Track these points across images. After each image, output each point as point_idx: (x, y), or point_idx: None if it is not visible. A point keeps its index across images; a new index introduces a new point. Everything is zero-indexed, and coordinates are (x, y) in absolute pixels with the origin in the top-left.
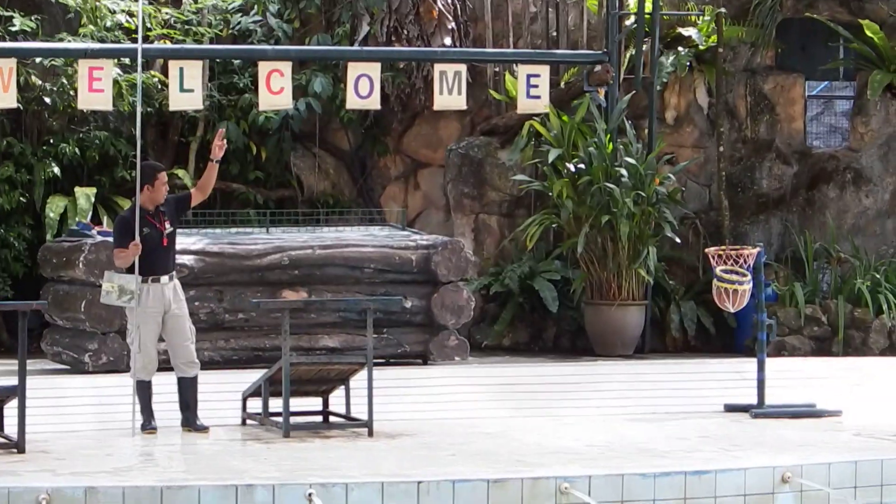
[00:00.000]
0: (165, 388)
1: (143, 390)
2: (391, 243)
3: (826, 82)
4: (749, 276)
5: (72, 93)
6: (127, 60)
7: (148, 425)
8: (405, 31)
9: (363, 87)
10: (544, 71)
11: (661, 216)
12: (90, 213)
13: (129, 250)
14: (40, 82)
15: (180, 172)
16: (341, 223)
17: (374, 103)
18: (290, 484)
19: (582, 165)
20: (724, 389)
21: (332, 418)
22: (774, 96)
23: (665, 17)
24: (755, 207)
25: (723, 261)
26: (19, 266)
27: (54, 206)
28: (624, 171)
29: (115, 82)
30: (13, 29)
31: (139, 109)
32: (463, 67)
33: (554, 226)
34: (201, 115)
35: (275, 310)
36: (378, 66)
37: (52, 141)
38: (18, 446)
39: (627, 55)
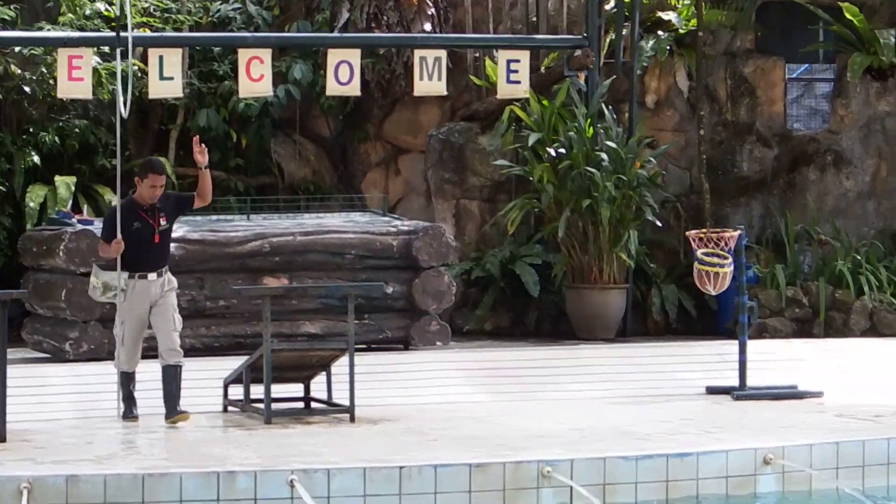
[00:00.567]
0: (148, 375)
1: (126, 380)
2: (372, 229)
3: (806, 65)
4: (730, 259)
5: (51, 81)
6: (106, 49)
7: (129, 414)
8: (385, 18)
9: (343, 74)
10: (524, 56)
11: (642, 200)
12: (70, 202)
13: (111, 247)
14: (19, 71)
15: (161, 159)
16: (322, 210)
17: (355, 90)
18: (271, 470)
19: (562, 150)
20: (706, 372)
21: (313, 404)
22: (755, 79)
23: (645, 1)
24: (736, 190)
25: (704, 244)
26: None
27: (34, 195)
28: (604, 156)
29: (95, 71)
30: None
31: (119, 98)
32: (443, 53)
33: (535, 210)
34: (181, 103)
35: (256, 297)
36: (358, 52)
37: (31, 130)
38: (0, 435)
39: (607, 39)
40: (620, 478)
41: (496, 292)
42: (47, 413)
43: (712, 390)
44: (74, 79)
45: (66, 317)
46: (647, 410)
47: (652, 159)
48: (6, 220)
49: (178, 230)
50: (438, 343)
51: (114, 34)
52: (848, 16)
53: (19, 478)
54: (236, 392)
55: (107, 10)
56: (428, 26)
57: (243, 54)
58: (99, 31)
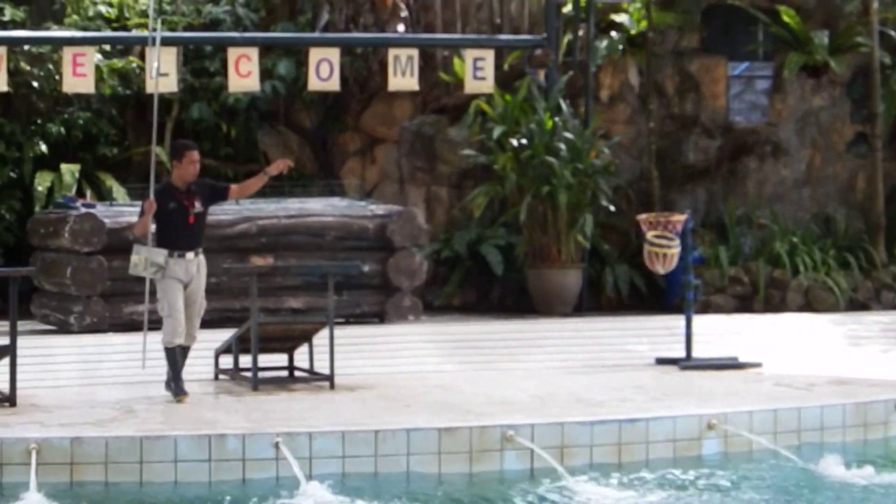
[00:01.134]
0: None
1: (174, 357)
2: (350, 213)
3: (747, 63)
4: (677, 241)
5: (57, 77)
6: (108, 48)
7: (180, 391)
8: (362, 19)
9: (324, 71)
10: (489, 55)
11: (597, 186)
12: (75, 187)
13: (144, 207)
14: (28, 68)
15: (157, 150)
16: (304, 195)
17: (334, 85)
18: (258, 434)
19: (524, 141)
20: (655, 344)
21: (296, 373)
22: (700, 76)
23: (600, 4)
24: (683, 178)
25: (653, 227)
26: (10, 236)
27: (42, 181)
28: (562, 146)
29: (97, 68)
30: (4, 19)
31: (156, 92)
32: (415, 52)
33: (499, 196)
34: (176, 97)
35: (244, 274)
36: (337, 51)
37: (39, 121)
38: (10, 400)
39: (565, 40)
40: (577, 441)
41: (463, 271)
42: (53, 380)
43: (661, 361)
44: (78, 75)
45: (70, 292)
46: (602, 379)
47: (606, 149)
48: (16, 203)
49: None
50: (411, 317)
51: (146, 34)
52: (785, 18)
53: (28, 439)
54: (226, 361)
55: (107, 11)
56: (401, 27)
57: (232, 52)
58: (100, 31)
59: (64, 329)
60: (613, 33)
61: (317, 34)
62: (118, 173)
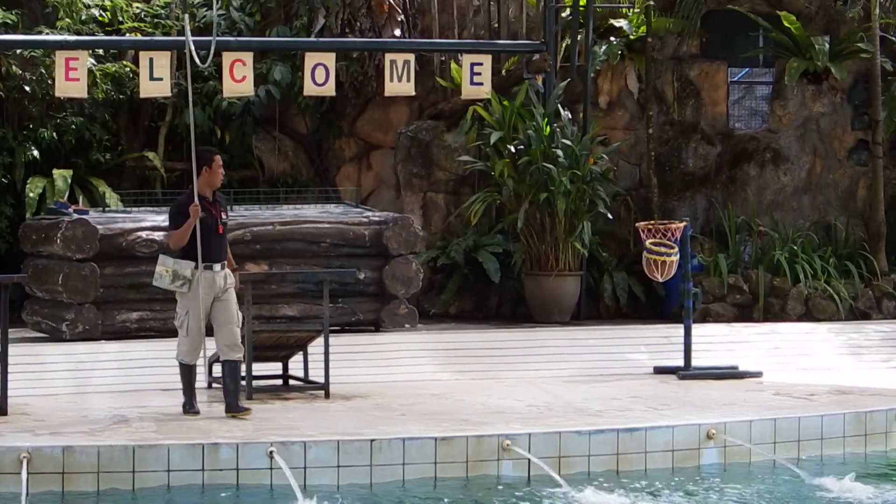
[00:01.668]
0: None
1: (187, 373)
2: (346, 220)
3: (747, 69)
4: (676, 249)
5: (49, 81)
6: (101, 52)
7: (190, 408)
8: (358, 24)
9: (319, 76)
10: (487, 60)
11: (595, 193)
12: (67, 193)
13: (191, 212)
14: (20, 72)
15: (150, 155)
16: (299, 201)
17: (330, 90)
18: (252, 443)
19: (522, 147)
20: (654, 353)
21: (291, 382)
22: (699, 82)
23: (598, 8)
24: (682, 185)
25: (652, 234)
26: (1, 242)
27: (34, 187)
28: (560, 152)
29: (90, 72)
30: None
31: (190, 97)
32: (411, 56)
33: (496, 203)
34: (169, 102)
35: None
36: (333, 55)
37: (31, 126)
38: (1, 408)
39: (563, 45)
40: (574, 451)
41: (460, 278)
42: (45, 389)
43: (659, 370)
44: (71, 79)
45: (62, 299)
46: (599, 389)
47: (604, 156)
48: (8, 209)
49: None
50: (407, 325)
51: (181, 38)
52: (786, 23)
53: (19, 448)
54: (220, 370)
55: (101, 15)
56: (398, 32)
57: (227, 57)
58: (94, 34)
59: (56, 337)
60: (612, 38)
61: (312, 38)
62: (111, 179)
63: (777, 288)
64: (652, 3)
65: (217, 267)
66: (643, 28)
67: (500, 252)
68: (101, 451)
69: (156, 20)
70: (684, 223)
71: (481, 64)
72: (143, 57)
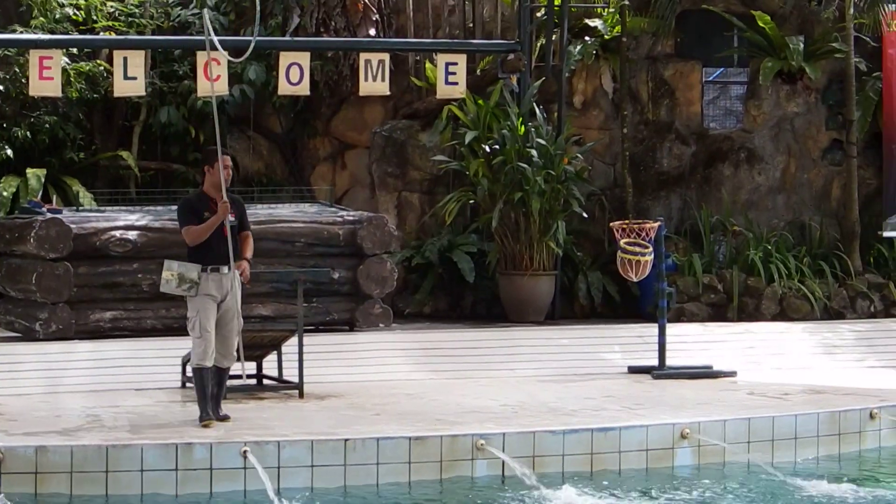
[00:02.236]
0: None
1: (201, 380)
2: (320, 219)
3: (721, 69)
4: (651, 248)
5: (23, 80)
6: (74, 50)
7: (206, 416)
8: (333, 23)
9: (294, 75)
10: (461, 59)
11: (570, 193)
12: (41, 192)
13: (220, 209)
14: None
15: (124, 154)
16: (274, 201)
17: (305, 89)
18: (226, 442)
19: (496, 146)
20: (628, 353)
21: (265, 381)
22: (674, 82)
23: (573, 8)
24: (656, 184)
25: (626, 234)
26: None
27: (7, 186)
28: (535, 152)
29: (64, 71)
30: None
31: (213, 95)
32: (386, 56)
33: (471, 202)
34: (144, 101)
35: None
36: (308, 55)
37: (4, 125)
38: None
39: (538, 44)
40: (548, 450)
41: (434, 278)
42: (18, 388)
43: (634, 370)
44: (45, 78)
45: (36, 299)
46: (574, 388)
47: (579, 155)
48: None
49: (141, 219)
50: (381, 325)
51: (202, 38)
52: (760, 23)
53: None
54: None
55: (75, 13)
56: (372, 31)
57: (201, 56)
58: (68, 33)
59: (29, 336)
60: (587, 38)
61: (287, 38)
62: (85, 178)
63: (751, 287)
64: (627, 2)
65: (224, 269)
66: (618, 28)
67: (475, 252)
68: (74, 450)
69: (130, 19)
70: (659, 223)
71: (456, 63)
72: (118, 56)
